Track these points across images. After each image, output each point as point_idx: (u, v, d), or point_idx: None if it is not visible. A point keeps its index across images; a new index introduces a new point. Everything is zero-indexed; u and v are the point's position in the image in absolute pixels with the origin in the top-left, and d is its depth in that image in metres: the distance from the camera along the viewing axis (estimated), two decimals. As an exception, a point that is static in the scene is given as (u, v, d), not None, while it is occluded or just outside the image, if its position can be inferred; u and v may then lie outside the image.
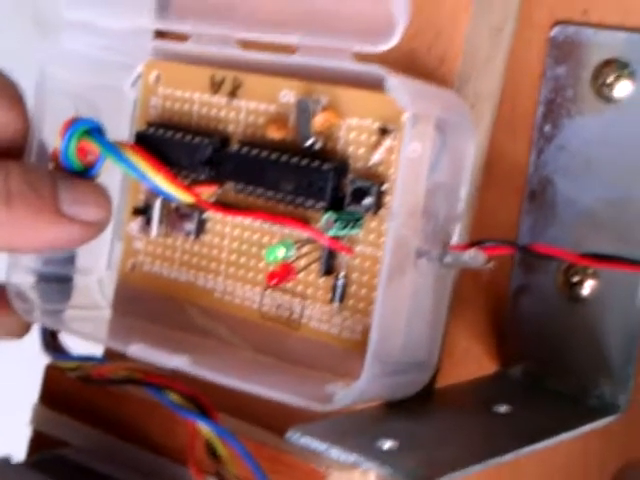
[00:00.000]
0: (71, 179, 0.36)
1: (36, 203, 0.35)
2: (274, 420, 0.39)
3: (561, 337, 0.40)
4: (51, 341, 0.40)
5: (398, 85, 0.33)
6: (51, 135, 0.39)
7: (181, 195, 0.37)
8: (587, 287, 0.39)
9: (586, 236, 0.39)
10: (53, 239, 0.36)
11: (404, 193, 0.34)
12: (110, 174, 0.40)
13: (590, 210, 0.39)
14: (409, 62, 0.38)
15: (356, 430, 0.34)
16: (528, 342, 0.40)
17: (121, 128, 0.42)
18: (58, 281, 0.42)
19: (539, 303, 0.40)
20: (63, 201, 0.36)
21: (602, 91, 0.39)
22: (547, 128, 0.40)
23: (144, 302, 0.42)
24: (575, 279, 0.39)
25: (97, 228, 0.37)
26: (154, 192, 0.39)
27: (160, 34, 0.42)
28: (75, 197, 0.36)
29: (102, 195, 0.37)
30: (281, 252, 0.36)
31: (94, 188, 0.37)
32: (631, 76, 0.38)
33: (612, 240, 0.39)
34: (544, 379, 0.40)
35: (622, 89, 0.39)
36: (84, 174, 0.37)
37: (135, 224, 0.42)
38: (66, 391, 0.43)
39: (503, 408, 0.37)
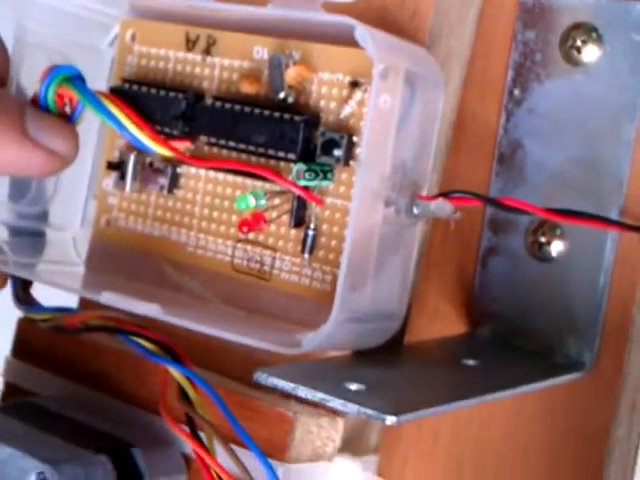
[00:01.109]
0: (40, 111, 0.37)
1: (2, 120, 0.35)
2: (244, 372, 0.39)
3: (529, 297, 0.40)
4: (23, 294, 0.41)
5: (367, 35, 0.34)
6: (28, 89, 0.39)
7: (158, 148, 0.38)
8: (555, 247, 0.40)
9: (554, 197, 0.40)
10: (15, 160, 0.36)
11: (373, 144, 0.34)
12: (85, 129, 0.41)
13: (558, 172, 0.40)
14: (381, 17, 0.38)
15: (324, 373, 0.34)
16: (497, 302, 0.41)
17: (98, 86, 0.42)
18: (31, 235, 0.42)
19: (508, 263, 0.41)
20: (29, 126, 0.36)
21: (570, 55, 0.40)
22: (517, 92, 0.41)
23: (118, 258, 0.42)
24: (543, 239, 0.40)
25: (61, 161, 0.37)
26: (130, 145, 0.40)
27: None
28: (42, 125, 0.36)
29: (69, 130, 0.37)
30: (252, 201, 0.37)
31: (62, 122, 0.37)
32: (598, 40, 0.39)
33: (580, 201, 0.39)
34: (512, 338, 0.40)
35: (589, 53, 0.39)
36: None
37: (109, 179, 0.42)
38: (38, 343, 0.43)
39: (471, 362, 0.37)
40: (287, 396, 0.37)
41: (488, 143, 0.41)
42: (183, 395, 0.36)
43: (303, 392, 0.32)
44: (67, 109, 0.38)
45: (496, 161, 0.41)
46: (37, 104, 0.37)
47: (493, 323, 0.41)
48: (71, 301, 0.43)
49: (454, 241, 0.41)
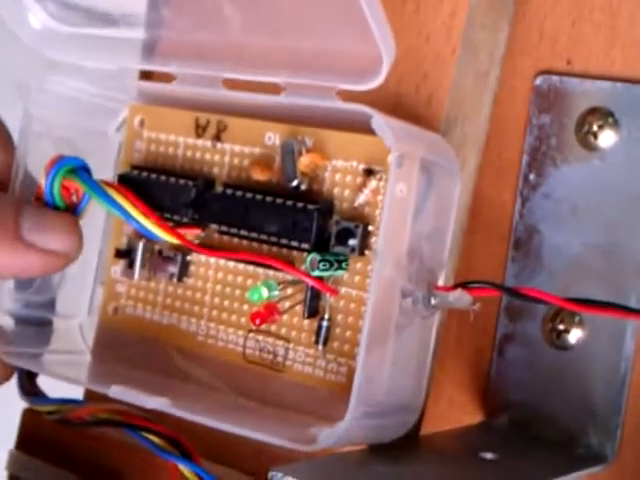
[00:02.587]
0: (38, 207, 0.36)
1: None
2: (256, 466, 0.38)
3: (547, 386, 0.39)
4: (28, 385, 0.40)
5: (384, 124, 0.33)
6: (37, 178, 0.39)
7: (165, 235, 0.37)
8: (573, 335, 0.39)
9: (572, 284, 0.39)
10: (9, 264, 0.35)
11: (389, 234, 0.34)
12: (93, 217, 0.40)
13: (576, 258, 0.39)
14: (396, 104, 0.38)
15: (340, 472, 0.33)
16: (514, 390, 0.40)
17: (105, 172, 0.41)
18: (38, 324, 0.41)
19: (525, 351, 0.40)
20: (25, 227, 0.35)
21: (586, 140, 0.39)
22: (532, 176, 0.40)
23: (126, 346, 0.41)
24: (561, 327, 0.39)
25: (61, 259, 0.36)
26: (138, 233, 0.39)
27: (146, 76, 0.42)
28: (37, 224, 0.35)
29: (70, 226, 0.36)
30: (264, 292, 0.36)
31: (62, 219, 0.36)
32: (615, 125, 0.39)
33: (599, 288, 0.39)
34: (531, 428, 0.39)
35: (606, 138, 0.39)
36: None
37: (117, 267, 0.42)
38: (43, 436, 0.42)
39: (489, 455, 0.36)
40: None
41: (504, 228, 0.40)
42: (193, 493, 0.35)
43: (320, 494, 0.31)
44: (74, 199, 0.37)
45: (512, 246, 0.40)
46: (43, 197, 0.37)
47: (511, 412, 0.40)
48: (77, 390, 0.42)
49: (470, 328, 0.40)
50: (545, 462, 0.37)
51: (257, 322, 0.36)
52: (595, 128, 0.39)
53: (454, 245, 0.38)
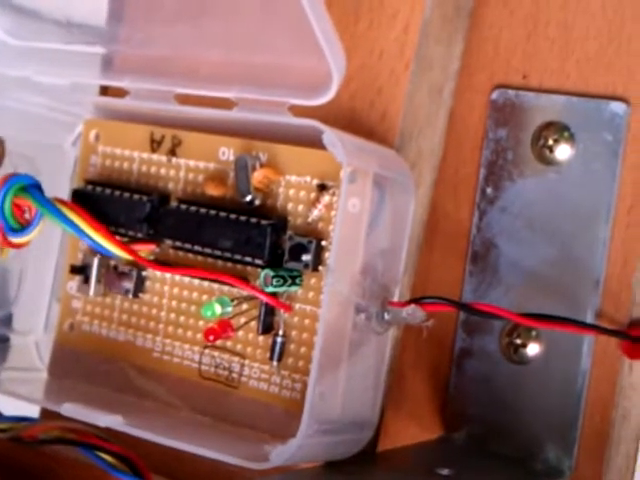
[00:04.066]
0: None
1: None
2: (211, 483, 0.38)
3: (505, 400, 0.39)
4: (-17, 403, 0.39)
5: (335, 139, 0.33)
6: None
7: (118, 252, 0.37)
8: (530, 350, 0.39)
9: (530, 298, 0.39)
10: None
11: (342, 249, 0.34)
12: (49, 233, 0.40)
13: (533, 272, 0.39)
14: (351, 119, 0.38)
15: (292, 490, 0.33)
16: (472, 405, 0.40)
17: (62, 186, 0.41)
18: (-7, 341, 0.41)
19: (483, 365, 0.40)
20: None
21: (542, 154, 0.39)
22: (489, 190, 0.40)
23: (82, 363, 0.41)
24: (518, 341, 0.39)
25: None
26: (92, 249, 0.39)
27: (102, 91, 0.41)
28: None
29: None
30: (218, 308, 0.36)
31: None
32: (570, 139, 0.39)
33: (555, 302, 0.39)
34: (489, 442, 0.39)
35: (562, 152, 0.39)
36: (21, 232, 0.36)
37: (73, 283, 0.41)
38: (-3, 454, 0.41)
39: (445, 471, 0.36)
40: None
41: (461, 243, 0.40)
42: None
43: (272, 513, 0.31)
44: (27, 216, 0.37)
45: (469, 261, 0.40)
46: None
47: (469, 427, 0.40)
48: (33, 407, 0.42)
49: (428, 343, 0.40)
50: (502, 477, 0.37)
51: (211, 338, 0.36)
52: (551, 142, 0.39)
53: (410, 260, 0.38)
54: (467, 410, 0.40)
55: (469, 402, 0.40)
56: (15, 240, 0.36)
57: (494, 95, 0.40)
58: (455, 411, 0.40)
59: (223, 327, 0.36)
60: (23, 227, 0.37)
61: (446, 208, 0.41)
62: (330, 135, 0.33)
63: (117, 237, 0.37)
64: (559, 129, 0.39)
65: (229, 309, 0.36)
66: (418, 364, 0.41)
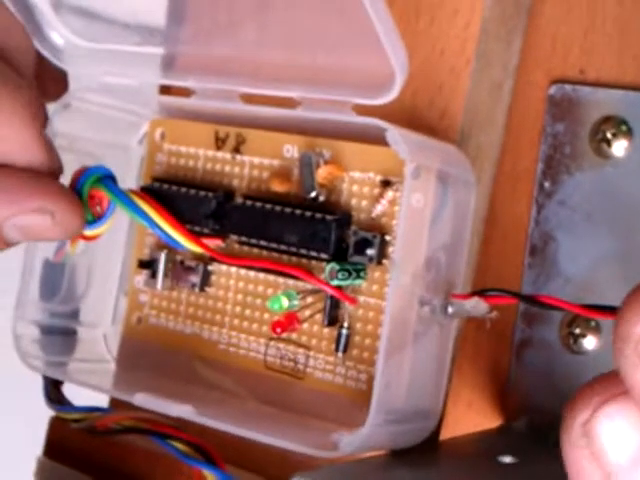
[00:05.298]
0: None
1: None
2: (279, 472, 0.39)
3: (565, 390, 0.40)
4: (54, 393, 0.40)
5: (398, 137, 0.34)
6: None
7: (190, 244, 0.38)
8: (589, 341, 0.39)
9: (588, 290, 0.39)
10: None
11: (406, 243, 0.34)
12: (116, 228, 0.41)
13: (591, 264, 0.40)
14: (411, 117, 0.38)
15: (361, 477, 0.34)
16: (532, 395, 0.40)
17: (128, 185, 0.42)
18: (62, 334, 0.42)
19: (542, 356, 0.40)
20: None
21: (600, 148, 0.40)
22: (547, 184, 0.41)
23: (149, 355, 0.42)
24: (578, 332, 0.40)
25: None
26: (160, 244, 0.40)
27: (165, 90, 0.42)
28: None
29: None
30: (285, 302, 0.37)
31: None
32: (628, 133, 0.39)
33: (614, 294, 0.39)
34: (549, 432, 0.40)
35: (619, 146, 0.39)
36: (94, 224, 0.37)
37: (140, 277, 0.42)
38: (70, 443, 0.43)
39: (508, 459, 0.37)
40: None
41: (519, 236, 0.41)
42: (219, 499, 0.35)
43: (342, 499, 0.32)
44: (98, 209, 0.38)
45: (528, 254, 0.41)
46: None
47: (528, 416, 0.40)
48: (102, 398, 0.43)
49: (488, 334, 0.41)
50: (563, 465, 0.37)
51: (278, 331, 0.37)
52: (609, 136, 0.39)
53: (471, 254, 0.38)
54: (527, 400, 0.40)
55: (529, 392, 0.40)
56: (88, 232, 0.37)
57: (552, 90, 0.41)
58: (515, 401, 0.41)
59: (290, 320, 0.37)
60: (95, 219, 0.38)
61: (504, 202, 0.41)
62: (393, 133, 0.34)
63: (187, 229, 0.38)
64: (617, 123, 0.39)
65: (295, 302, 0.37)
66: (478, 355, 0.41)
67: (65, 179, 0.38)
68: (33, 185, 0.35)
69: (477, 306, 0.35)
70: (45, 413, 0.42)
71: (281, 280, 0.39)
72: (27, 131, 0.35)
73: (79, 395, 0.41)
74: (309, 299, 0.38)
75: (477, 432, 0.40)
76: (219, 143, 0.41)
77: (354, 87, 0.35)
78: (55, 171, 0.36)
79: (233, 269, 0.40)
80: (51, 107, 0.40)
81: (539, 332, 0.40)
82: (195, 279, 0.41)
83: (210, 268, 0.41)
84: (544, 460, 0.38)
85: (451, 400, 0.40)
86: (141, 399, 0.37)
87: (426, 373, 0.36)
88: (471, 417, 0.41)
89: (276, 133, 0.39)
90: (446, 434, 0.40)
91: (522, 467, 0.37)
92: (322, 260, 0.37)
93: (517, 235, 0.41)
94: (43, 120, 0.36)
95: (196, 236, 0.38)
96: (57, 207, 0.35)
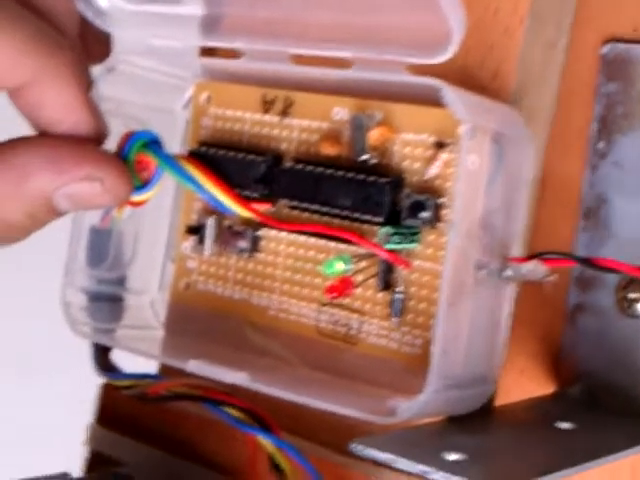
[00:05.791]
0: None
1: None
2: (331, 438, 0.38)
3: (621, 355, 0.39)
4: (103, 360, 0.40)
5: (455, 97, 0.33)
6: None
7: (239, 209, 0.37)
8: (645, 304, 0.39)
9: (643, 253, 0.39)
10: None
11: (463, 205, 0.34)
12: (161, 194, 0.41)
13: (646, 226, 0.39)
14: (462, 77, 0.38)
15: (421, 443, 0.33)
16: (587, 360, 0.40)
17: (173, 149, 0.42)
18: (110, 301, 0.42)
19: (597, 320, 0.40)
20: None
21: (650, 107, 0.39)
22: (601, 145, 0.40)
23: (198, 321, 0.42)
24: (633, 296, 0.39)
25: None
26: (208, 209, 0.39)
27: (208, 53, 0.42)
28: None
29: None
30: (340, 265, 0.36)
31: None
32: (682, 91, 0.38)
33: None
34: (604, 397, 0.39)
35: (674, 105, 0.39)
36: (141, 189, 0.37)
37: (188, 243, 0.42)
38: (122, 410, 0.42)
39: (565, 425, 0.36)
40: (379, 464, 0.36)
41: (573, 198, 0.40)
42: (274, 464, 0.35)
43: (403, 465, 0.31)
44: (145, 175, 0.37)
45: (582, 216, 0.40)
46: None
47: (583, 382, 0.40)
48: (149, 365, 0.43)
49: (540, 299, 0.40)
50: (624, 432, 0.37)
51: (332, 295, 0.36)
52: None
53: (525, 217, 0.38)
54: (581, 366, 0.40)
55: (583, 357, 0.40)
56: (135, 198, 0.37)
57: (605, 49, 0.40)
58: (569, 367, 0.40)
59: (345, 284, 0.36)
60: (142, 185, 0.37)
61: (557, 163, 0.40)
62: (449, 92, 0.33)
63: (236, 193, 0.38)
64: (671, 82, 0.39)
65: (350, 266, 0.37)
66: (530, 320, 0.41)
67: (111, 143, 0.37)
68: (80, 153, 0.35)
69: (535, 269, 0.35)
70: (94, 380, 0.42)
71: (332, 245, 0.38)
72: (71, 92, 0.34)
73: (126, 362, 0.41)
74: (362, 263, 0.37)
75: (532, 398, 0.40)
76: (266, 106, 0.40)
77: (408, 47, 0.34)
78: (101, 135, 0.36)
79: (283, 234, 0.40)
80: (96, 70, 0.39)
81: (593, 297, 0.40)
82: (244, 244, 0.40)
83: (259, 233, 0.40)
84: (601, 427, 0.37)
85: (504, 366, 0.40)
86: (195, 366, 0.37)
87: (483, 337, 0.36)
88: (523, 384, 0.41)
89: (325, 95, 0.39)
90: (498, 401, 0.39)
91: (580, 433, 0.36)
92: (375, 224, 0.36)
93: (570, 197, 0.40)
94: (87, 82, 0.36)
95: (246, 200, 0.38)
96: (105, 173, 0.34)
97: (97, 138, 0.36)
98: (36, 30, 0.34)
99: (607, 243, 0.40)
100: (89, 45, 0.39)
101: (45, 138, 0.34)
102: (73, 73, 0.34)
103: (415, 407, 0.33)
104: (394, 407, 0.33)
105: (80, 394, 0.45)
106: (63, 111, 0.35)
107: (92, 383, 0.43)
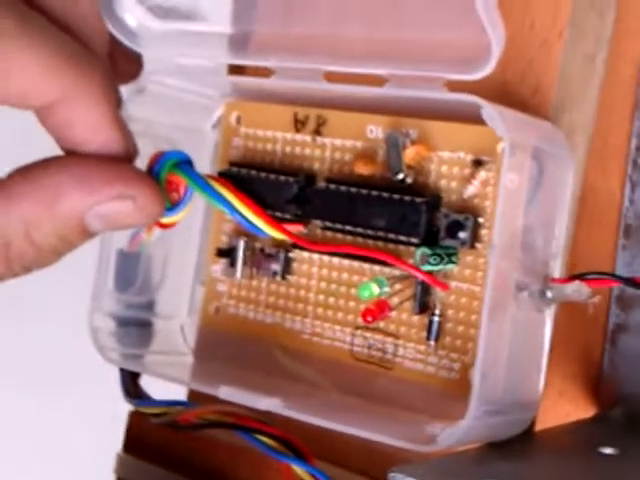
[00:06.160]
0: None
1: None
2: (366, 465, 0.37)
3: (663, 376, 0.38)
4: (132, 387, 0.39)
5: (495, 114, 0.32)
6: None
7: (271, 231, 0.36)
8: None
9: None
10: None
11: (503, 225, 0.33)
12: (191, 216, 0.40)
13: (688, 244, 0.38)
14: (501, 92, 0.37)
15: (460, 471, 0.32)
16: (629, 382, 0.38)
17: (203, 170, 0.41)
18: (138, 325, 0.41)
19: (639, 341, 0.39)
20: None
21: (695, 123, 0.38)
22: (641, 160, 0.39)
23: (228, 346, 0.41)
24: (676, 316, 0.38)
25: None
26: (239, 231, 0.39)
27: (236, 71, 0.41)
28: None
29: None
30: (375, 289, 0.35)
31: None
32: None
33: None
34: (647, 421, 0.38)
35: None
36: (171, 211, 0.36)
37: (218, 266, 0.41)
38: (150, 437, 0.41)
39: (609, 450, 0.35)
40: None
41: (612, 216, 0.39)
42: (309, 494, 0.34)
43: (444, 495, 0.30)
44: (175, 195, 0.37)
45: (622, 234, 0.39)
46: None
47: (624, 405, 0.39)
48: (177, 391, 0.42)
49: (580, 319, 0.39)
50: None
51: (369, 319, 0.35)
52: None
53: (565, 235, 0.37)
54: (622, 388, 0.39)
55: (625, 379, 0.39)
56: (165, 220, 0.36)
57: (645, 63, 0.39)
58: (610, 389, 0.39)
59: (380, 307, 0.35)
60: (173, 206, 0.36)
61: (596, 180, 0.39)
62: (489, 109, 0.33)
63: (268, 214, 0.37)
64: None
65: (386, 289, 0.36)
66: (569, 341, 0.40)
67: (140, 165, 0.36)
68: (111, 171, 0.34)
69: (579, 290, 0.34)
70: (123, 407, 0.41)
71: (366, 266, 0.37)
72: (100, 111, 0.34)
73: (156, 390, 0.40)
74: (397, 286, 0.36)
75: (572, 422, 0.39)
76: (298, 125, 0.39)
77: (446, 62, 0.33)
78: (130, 154, 0.35)
79: (315, 256, 0.39)
80: (125, 91, 0.39)
81: (635, 317, 0.39)
82: (276, 267, 0.39)
83: (291, 255, 0.39)
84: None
85: (543, 388, 0.39)
86: (226, 392, 0.36)
87: (524, 362, 0.35)
88: (563, 406, 0.40)
89: (359, 113, 0.38)
90: (538, 423, 0.38)
91: (625, 459, 0.35)
92: (411, 245, 0.35)
93: (610, 215, 0.39)
94: (116, 101, 0.35)
95: (278, 222, 0.37)
96: (137, 192, 0.34)
97: (126, 157, 0.35)
98: (66, 47, 0.33)
99: (649, 262, 0.39)
100: (118, 64, 0.38)
101: (75, 157, 0.34)
102: (103, 92, 0.34)
103: (456, 434, 0.32)
104: (433, 434, 0.32)
105: (110, 421, 0.44)
106: (92, 130, 0.34)
107: (122, 410, 0.42)
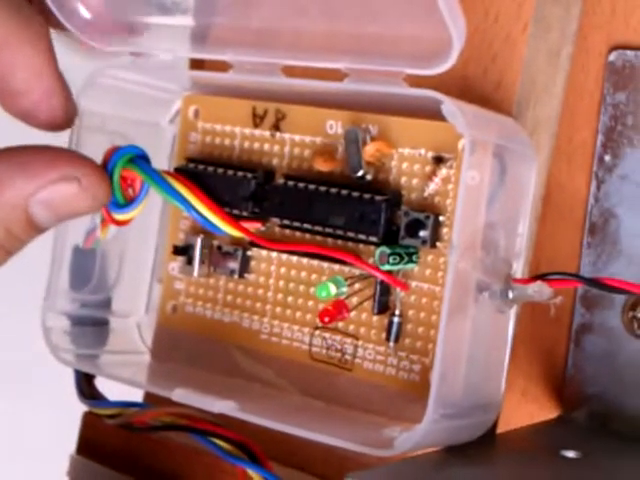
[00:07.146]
0: None
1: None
2: (324, 468, 0.36)
3: (629, 377, 0.37)
4: (87, 387, 0.38)
5: (455, 109, 0.32)
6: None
7: (228, 228, 0.35)
8: (655, 324, 0.37)
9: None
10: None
11: (463, 224, 0.32)
12: (148, 213, 0.39)
13: (656, 243, 0.37)
14: (463, 87, 0.36)
15: (417, 477, 0.31)
16: (592, 383, 0.38)
17: (159, 165, 0.40)
18: (94, 324, 0.40)
19: (604, 341, 0.38)
20: None
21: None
22: (608, 158, 0.38)
23: (186, 345, 0.40)
24: (641, 315, 0.37)
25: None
26: (196, 228, 0.38)
27: (197, 65, 0.40)
28: None
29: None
30: (333, 289, 0.34)
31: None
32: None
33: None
34: (611, 422, 0.37)
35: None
36: (125, 207, 0.35)
37: (175, 264, 0.40)
38: (104, 440, 0.41)
39: (571, 453, 0.35)
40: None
41: (577, 213, 0.38)
42: (264, 499, 0.33)
43: (400, 502, 0.29)
44: (130, 192, 0.36)
45: (587, 232, 0.38)
46: None
47: (589, 406, 0.38)
48: (135, 392, 0.41)
49: (543, 319, 0.39)
50: (634, 460, 0.35)
51: (326, 320, 0.35)
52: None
53: (528, 234, 0.36)
54: (587, 389, 0.38)
55: (589, 380, 0.38)
56: (120, 216, 0.35)
57: (612, 57, 0.38)
58: (574, 390, 0.38)
59: (338, 308, 0.35)
60: (127, 203, 0.35)
61: (560, 178, 0.39)
62: (450, 105, 0.32)
63: (225, 211, 0.36)
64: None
65: (344, 289, 0.35)
66: (533, 341, 0.39)
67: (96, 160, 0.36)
68: (53, 155, 0.33)
69: (540, 291, 0.33)
70: (78, 408, 0.40)
71: (325, 265, 0.37)
72: (41, 57, 0.34)
73: (112, 388, 0.39)
74: (357, 285, 0.35)
75: (535, 424, 0.38)
76: (257, 120, 0.38)
77: (406, 57, 0.32)
78: (70, 110, 0.36)
79: (274, 254, 0.38)
80: (78, 85, 0.38)
81: (600, 316, 0.38)
82: (234, 265, 0.38)
83: (249, 253, 0.38)
84: (610, 455, 0.36)
85: (505, 389, 0.38)
86: (180, 394, 0.35)
87: (485, 363, 0.34)
88: (526, 407, 0.39)
89: (318, 108, 0.37)
90: (500, 424, 0.38)
91: (587, 462, 0.34)
92: (371, 243, 0.35)
93: (575, 212, 0.38)
94: (54, 51, 0.35)
95: (235, 219, 0.36)
96: (81, 172, 0.33)
97: (67, 111, 0.35)
98: None
99: (615, 261, 0.38)
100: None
101: (19, 147, 0.33)
102: (42, 39, 0.34)
103: (414, 438, 0.31)
104: (391, 438, 0.31)
105: (64, 423, 0.43)
106: (34, 76, 0.34)
107: (78, 410, 0.41)
